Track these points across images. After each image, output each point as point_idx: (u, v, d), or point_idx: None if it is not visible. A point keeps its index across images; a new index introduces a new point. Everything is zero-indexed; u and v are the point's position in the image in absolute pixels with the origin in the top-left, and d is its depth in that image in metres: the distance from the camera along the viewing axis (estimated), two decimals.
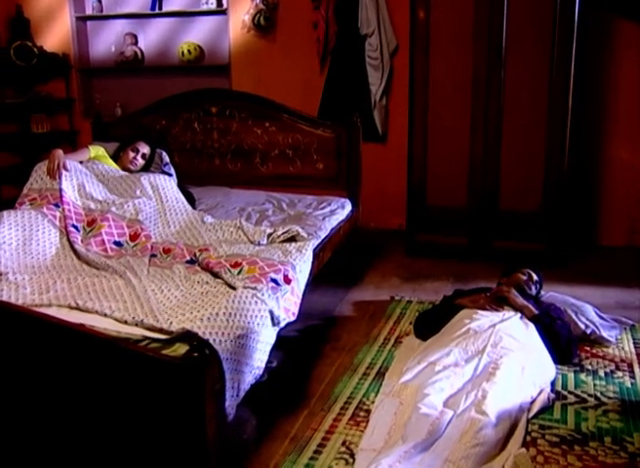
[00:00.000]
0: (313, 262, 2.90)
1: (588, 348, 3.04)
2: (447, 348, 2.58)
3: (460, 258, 4.25)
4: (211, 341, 1.98)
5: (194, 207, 3.61)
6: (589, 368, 2.85)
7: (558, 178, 3.95)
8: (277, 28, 4.83)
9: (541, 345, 2.77)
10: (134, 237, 2.94)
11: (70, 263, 2.73)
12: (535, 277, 3.26)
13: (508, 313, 2.90)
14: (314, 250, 3.04)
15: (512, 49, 3.84)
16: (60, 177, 3.16)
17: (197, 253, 2.75)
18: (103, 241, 2.86)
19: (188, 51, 5.09)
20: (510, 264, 3.43)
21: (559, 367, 2.83)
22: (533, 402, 2.49)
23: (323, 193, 3.81)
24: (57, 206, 3.02)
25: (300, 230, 3.00)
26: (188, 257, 2.77)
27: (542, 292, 3.40)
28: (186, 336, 1.97)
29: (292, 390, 2.71)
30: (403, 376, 2.49)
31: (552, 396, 2.56)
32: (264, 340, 2.30)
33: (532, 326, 2.84)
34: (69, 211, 3.00)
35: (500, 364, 2.47)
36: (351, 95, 4.64)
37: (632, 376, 2.78)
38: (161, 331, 2.04)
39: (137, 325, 2.08)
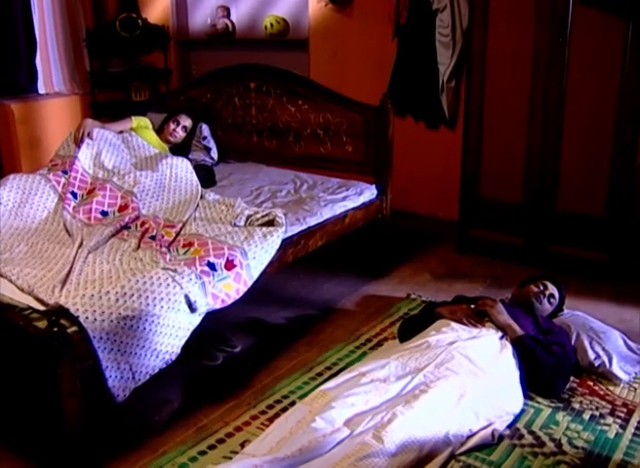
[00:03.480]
0: (281, 249, 2.75)
1: (591, 383, 2.58)
2: (385, 360, 2.33)
3: (512, 260, 3.81)
4: (82, 319, 1.97)
5: (214, 182, 3.61)
6: (576, 406, 2.42)
7: (627, 179, 3.35)
8: (354, 2, 4.61)
9: (512, 373, 2.40)
10: (123, 208, 3.00)
11: (54, 228, 2.86)
12: (551, 290, 2.82)
13: (487, 330, 2.54)
14: (292, 236, 2.91)
15: (579, 25, 3.28)
16: (80, 145, 3.32)
17: (159, 229, 2.75)
18: (91, 209, 2.96)
19: (271, 24, 5.05)
20: (533, 275, 3.01)
21: (540, 400, 2.44)
22: (472, 436, 2.17)
23: (351, 177, 3.60)
24: (65, 172, 3.18)
25: (280, 215, 2.86)
26: (154, 233, 2.77)
27: (566, 311, 2.94)
28: (57, 311, 1.98)
29: (237, 379, 2.63)
30: (326, 383, 2.29)
31: (499, 432, 2.21)
32: (175, 325, 2.24)
33: (510, 349, 2.47)
34: (74, 178, 3.14)
35: (432, 387, 2.17)
36: (419, 75, 4.32)
37: (623, 426, 2.31)
38: (43, 302, 2.07)
39: (29, 294, 2.13)
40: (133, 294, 2.13)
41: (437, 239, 4.26)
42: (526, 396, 2.41)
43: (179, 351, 2.29)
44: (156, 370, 2.23)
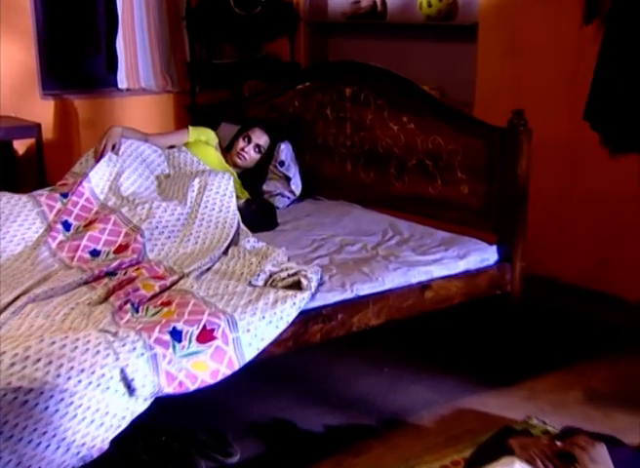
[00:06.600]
0: (297, 323, 2.93)
1: None
2: None
3: None
4: None
5: (272, 225, 3.88)
6: None
7: None
8: None
9: None
10: (121, 248, 3.39)
11: (23, 267, 3.29)
12: None
13: None
14: (321, 308, 3.06)
15: None
16: (97, 161, 3.83)
17: (142, 280, 3.08)
18: (78, 247, 3.36)
19: (428, 3, 5.28)
20: None
21: None
22: None
23: (465, 230, 3.67)
24: (65, 195, 3.67)
25: (310, 275, 3.03)
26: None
27: None
28: None
29: None
30: None
31: None
32: (100, 408, 2.48)
33: None
34: (75, 204, 3.61)
35: None
36: (628, 81, 4.26)
37: None
38: None
39: None
40: (39, 360, 2.44)
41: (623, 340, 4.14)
42: None
43: (106, 446, 2.51)
44: None
